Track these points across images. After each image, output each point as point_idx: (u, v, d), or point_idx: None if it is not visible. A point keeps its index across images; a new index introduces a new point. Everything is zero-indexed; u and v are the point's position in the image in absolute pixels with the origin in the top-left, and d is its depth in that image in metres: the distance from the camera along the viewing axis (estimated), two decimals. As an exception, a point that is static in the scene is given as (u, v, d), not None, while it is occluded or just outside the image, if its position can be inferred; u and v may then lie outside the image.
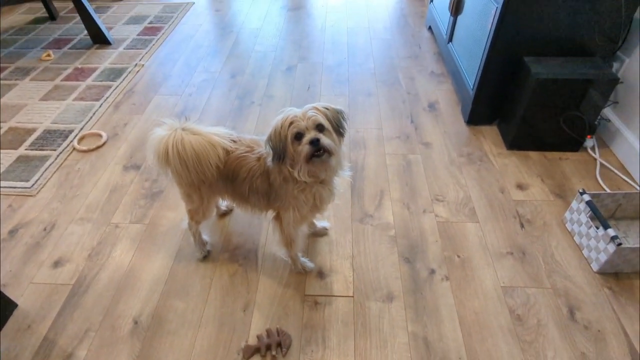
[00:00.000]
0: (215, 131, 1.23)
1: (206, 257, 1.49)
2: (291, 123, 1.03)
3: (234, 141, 1.25)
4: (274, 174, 1.16)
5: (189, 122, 1.19)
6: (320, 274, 1.42)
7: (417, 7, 3.21)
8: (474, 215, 1.59)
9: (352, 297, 1.35)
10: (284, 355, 1.21)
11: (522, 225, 1.54)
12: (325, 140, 1.03)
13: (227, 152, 1.22)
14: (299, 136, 1.04)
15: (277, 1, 3.46)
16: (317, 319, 1.29)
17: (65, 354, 1.24)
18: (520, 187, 1.69)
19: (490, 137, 1.94)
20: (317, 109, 1.06)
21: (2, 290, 1.38)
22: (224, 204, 1.64)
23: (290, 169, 1.10)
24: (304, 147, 1.02)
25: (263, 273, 1.43)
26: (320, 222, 1.56)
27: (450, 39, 2.27)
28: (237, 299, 1.36)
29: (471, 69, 1.94)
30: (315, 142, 1.01)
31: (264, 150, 1.13)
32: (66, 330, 1.30)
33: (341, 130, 1.11)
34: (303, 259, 1.43)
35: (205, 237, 1.51)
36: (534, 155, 1.83)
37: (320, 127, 1.04)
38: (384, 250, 1.49)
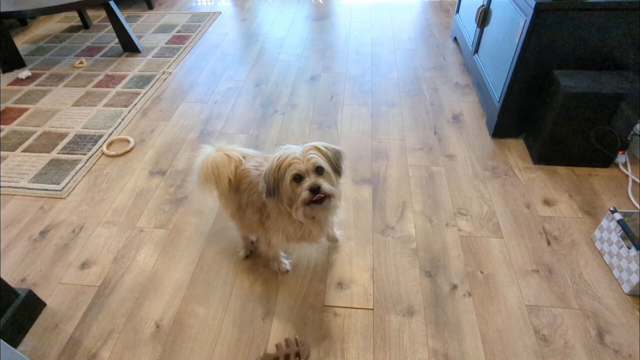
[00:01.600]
0: (242, 150, 1.31)
1: (248, 256, 1.52)
2: (290, 165, 1.03)
3: (244, 157, 1.31)
4: (270, 204, 1.16)
5: (223, 144, 1.32)
6: (340, 285, 1.41)
7: (442, 18, 3.20)
8: (498, 230, 1.56)
9: (372, 309, 1.34)
10: (302, 366, 1.21)
11: (548, 243, 1.50)
12: (325, 186, 1.03)
13: (237, 166, 1.28)
14: (297, 178, 1.04)
15: (302, 11, 3.50)
16: (336, 331, 1.29)
17: (89, 354, 1.27)
18: (547, 202, 1.65)
19: (516, 150, 1.90)
20: (317, 148, 1.06)
21: (32, 289, 1.43)
22: None
23: (287, 207, 1.10)
24: (304, 192, 1.02)
25: (283, 282, 1.44)
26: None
27: (476, 51, 2.25)
28: (256, 307, 1.37)
29: (497, 81, 1.91)
30: (315, 190, 1.01)
31: (260, 185, 1.13)
32: (91, 330, 1.33)
33: (340, 170, 1.12)
34: (283, 260, 1.45)
35: (252, 237, 1.52)
36: (562, 170, 1.79)
37: (319, 170, 1.04)
38: (405, 263, 1.47)
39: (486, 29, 2.12)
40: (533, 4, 1.53)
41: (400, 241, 1.54)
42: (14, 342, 1.29)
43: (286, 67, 2.71)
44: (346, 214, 1.66)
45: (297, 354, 1.21)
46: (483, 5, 2.13)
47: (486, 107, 2.07)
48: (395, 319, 1.31)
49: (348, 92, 2.41)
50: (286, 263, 1.46)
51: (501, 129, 1.94)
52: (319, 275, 1.45)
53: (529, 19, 1.58)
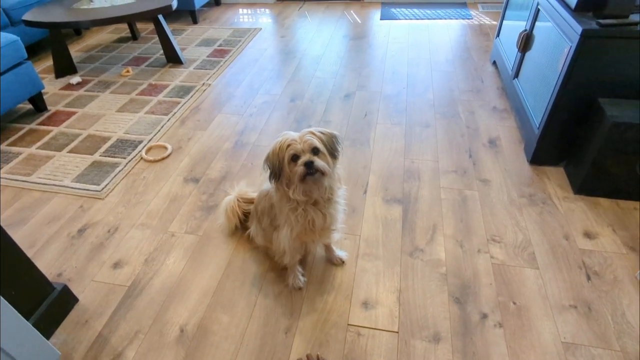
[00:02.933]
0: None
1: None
2: (288, 145, 1.12)
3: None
4: (274, 195, 1.29)
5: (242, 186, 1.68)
6: (365, 305, 1.39)
7: (482, 41, 3.17)
8: (533, 260, 1.50)
9: (397, 332, 1.30)
10: (322, 385, 1.18)
11: (588, 278, 1.42)
12: (319, 162, 1.12)
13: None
14: (295, 158, 1.13)
15: (340, 30, 3.57)
16: (359, 351, 1.26)
17: (115, 352, 1.30)
18: (587, 235, 1.57)
19: (555, 179, 1.84)
20: (313, 133, 1.15)
21: (67, 284, 1.48)
22: None
23: (286, 188, 1.19)
24: (299, 168, 1.11)
25: (307, 297, 1.43)
26: (338, 252, 1.54)
27: (517, 75, 2.21)
28: (279, 320, 1.36)
29: (538, 107, 1.86)
30: (309, 164, 1.11)
31: (263, 169, 1.22)
32: (119, 329, 1.36)
33: (335, 154, 1.19)
34: (299, 275, 1.46)
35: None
36: (604, 202, 1.71)
37: (315, 150, 1.13)
38: (433, 287, 1.43)
39: (528, 54, 2.08)
40: (580, 30, 1.50)
41: (429, 264, 1.51)
42: (47, 334, 1.33)
43: (322, 84, 2.75)
44: (375, 232, 1.64)
45: (318, 372, 1.19)
46: (525, 30, 2.10)
47: (525, 132, 2.02)
48: (420, 344, 1.27)
49: (382, 111, 2.41)
50: (301, 279, 1.46)
51: (540, 156, 1.88)
52: (344, 293, 1.43)
53: (574, 45, 1.54)
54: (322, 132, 1.17)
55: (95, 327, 1.38)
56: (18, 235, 1.73)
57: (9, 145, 2.31)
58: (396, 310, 1.36)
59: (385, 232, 1.64)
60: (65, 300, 1.41)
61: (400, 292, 1.42)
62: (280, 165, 1.14)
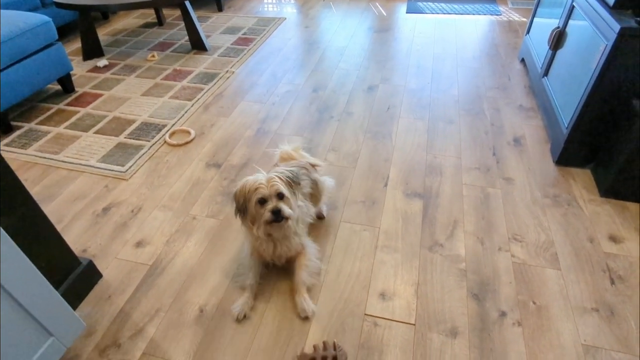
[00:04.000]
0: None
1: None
2: (256, 189, 1.23)
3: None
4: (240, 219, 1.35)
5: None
6: (383, 296, 1.39)
7: (510, 38, 3.11)
8: (555, 261, 1.47)
9: (414, 325, 1.30)
10: (338, 371, 1.19)
11: (612, 282, 1.40)
12: (285, 209, 1.23)
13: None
14: (262, 201, 1.24)
15: (365, 22, 3.54)
16: (375, 341, 1.26)
17: (137, 327, 1.33)
18: (613, 239, 1.54)
19: (581, 180, 1.80)
20: (280, 178, 1.25)
21: (92, 260, 1.52)
22: (324, 208, 1.69)
23: (250, 224, 1.30)
24: (266, 214, 1.23)
25: (325, 285, 1.44)
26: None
27: (546, 73, 2.16)
28: (313, 290, 1.37)
29: (567, 106, 1.82)
30: (276, 212, 1.22)
31: (231, 203, 1.35)
32: (140, 306, 1.40)
33: (296, 190, 1.32)
34: (248, 305, 1.36)
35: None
36: (632, 207, 1.66)
37: (280, 196, 1.24)
38: (451, 282, 1.42)
39: (559, 52, 2.03)
40: (617, 28, 1.46)
41: (448, 260, 1.50)
42: (72, 307, 1.37)
43: (345, 75, 2.74)
44: (394, 225, 1.64)
45: (334, 358, 1.20)
46: (558, 27, 2.05)
47: (552, 132, 1.98)
48: (437, 337, 1.27)
49: (405, 105, 2.39)
50: (246, 312, 1.34)
51: (567, 157, 1.84)
52: (361, 283, 1.43)
53: (610, 44, 1.50)
54: (288, 177, 1.27)
55: (118, 302, 1.42)
56: (46, 211, 1.78)
57: (38, 124, 2.37)
58: (414, 303, 1.36)
59: (405, 225, 1.64)
60: (90, 275, 1.45)
61: (419, 285, 1.42)
62: (245, 204, 1.25)
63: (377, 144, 2.10)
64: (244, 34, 3.44)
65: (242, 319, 1.33)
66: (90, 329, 1.33)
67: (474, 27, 3.34)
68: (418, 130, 2.17)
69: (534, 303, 1.35)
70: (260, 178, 1.24)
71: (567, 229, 1.59)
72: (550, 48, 2.10)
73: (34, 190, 1.90)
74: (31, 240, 1.20)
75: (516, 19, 3.44)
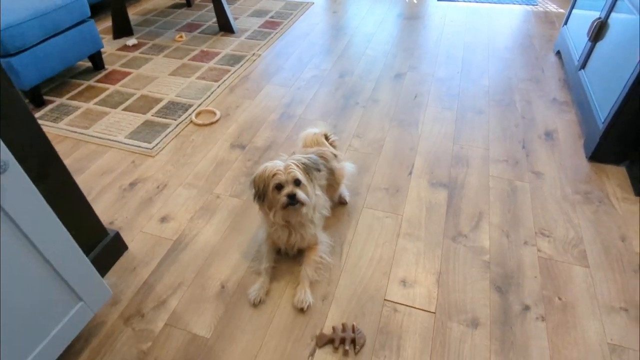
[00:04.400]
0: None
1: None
2: (274, 175, 1.25)
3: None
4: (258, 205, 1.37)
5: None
6: (404, 283, 1.38)
7: (546, 29, 3.00)
8: (584, 258, 1.43)
9: (434, 313, 1.29)
10: (355, 353, 1.20)
11: (643, 282, 1.35)
12: (300, 194, 1.25)
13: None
14: (279, 187, 1.26)
15: (395, 9, 3.47)
16: (394, 326, 1.26)
17: (160, 299, 1.36)
18: (646, 239, 1.48)
19: (615, 178, 1.73)
20: (297, 165, 1.27)
21: (119, 232, 1.56)
22: (346, 193, 1.69)
23: (267, 209, 1.31)
24: (282, 198, 1.25)
25: (346, 269, 1.44)
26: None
27: (583, 66, 2.07)
28: (317, 287, 1.38)
29: (605, 101, 1.75)
30: (292, 196, 1.24)
31: (249, 188, 1.36)
32: (163, 279, 1.43)
33: (313, 179, 1.33)
34: (264, 289, 1.36)
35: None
36: (668, 207, 1.60)
37: (297, 182, 1.26)
38: (474, 273, 1.40)
39: (599, 44, 1.95)
40: (666, 18, 1.38)
41: (472, 251, 1.48)
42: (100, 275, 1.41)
43: (372, 62, 2.70)
44: (418, 214, 1.62)
45: (353, 341, 1.21)
46: (600, 18, 1.96)
47: (586, 127, 1.91)
48: (457, 327, 1.25)
49: (433, 94, 2.34)
50: (262, 296, 1.34)
51: (601, 153, 1.78)
52: (382, 269, 1.43)
53: (657, 34, 1.43)
54: (304, 164, 1.29)
55: (142, 274, 1.45)
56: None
57: (69, 99, 2.42)
58: (435, 291, 1.35)
59: (428, 214, 1.62)
60: (117, 246, 1.49)
61: (440, 274, 1.40)
62: (264, 190, 1.28)
63: (402, 132, 2.06)
64: (272, 17, 3.42)
65: (258, 303, 1.34)
66: (115, 298, 1.37)
67: (508, 17, 3.23)
68: (445, 119, 2.13)
69: (560, 299, 1.32)
70: (278, 164, 1.27)
71: (598, 226, 1.54)
72: (589, 39, 2.01)
73: (65, 162, 1.93)
74: (63, 208, 1.23)
75: (553, 9, 3.31)
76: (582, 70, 2.08)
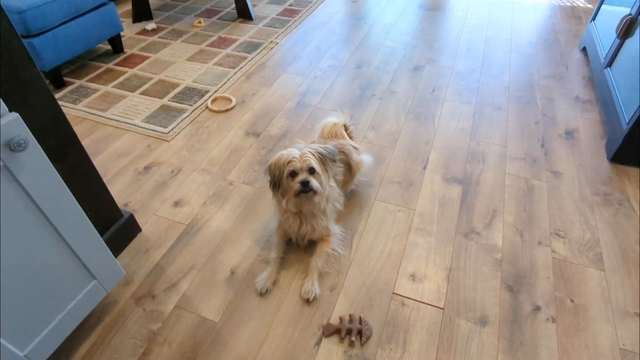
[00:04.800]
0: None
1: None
2: (289, 162, 1.25)
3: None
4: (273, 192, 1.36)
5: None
6: (413, 277, 1.37)
7: (572, 25, 2.90)
8: (599, 261, 1.40)
9: (442, 309, 1.28)
10: (362, 345, 1.20)
11: (660, 288, 1.32)
12: (314, 182, 1.25)
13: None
14: (293, 174, 1.26)
15: (416, 0, 3.40)
16: (402, 320, 1.26)
17: (171, 282, 1.38)
18: (666, 244, 1.44)
19: (637, 180, 1.68)
20: (312, 153, 1.27)
21: (133, 214, 1.58)
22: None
23: (280, 197, 1.32)
24: (295, 185, 1.25)
25: (355, 260, 1.44)
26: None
27: (609, 64, 2.01)
28: (326, 277, 1.38)
29: (631, 101, 1.69)
30: (305, 184, 1.24)
31: (264, 175, 1.37)
32: (175, 262, 1.45)
33: (329, 170, 1.33)
34: (271, 279, 1.37)
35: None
36: (691, 212, 1.55)
37: (312, 170, 1.26)
38: (485, 271, 1.39)
39: (628, 42, 1.88)
40: (702, 16, 1.32)
41: (484, 248, 1.46)
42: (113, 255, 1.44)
43: (391, 53, 2.66)
44: (430, 209, 1.60)
45: (359, 332, 1.21)
46: (630, 15, 1.89)
47: (609, 127, 1.85)
48: (465, 324, 1.24)
49: (452, 87, 2.30)
50: (269, 286, 1.35)
51: (623, 155, 1.73)
52: (392, 262, 1.42)
53: (691, 33, 1.37)
54: (320, 153, 1.29)
55: (155, 256, 1.47)
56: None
57: (88, 81, 2.45)
58: (444, 287, 1.34)
59: (441, 210, 1.60)
60: (131, 228, 1.52)
61: (451, 270, 1.39)
62: (279, 177, 1.28)
63: (418, 125, 2.04)
64: (290, 5, 3.39)
65: (264, 293, 1.34)
66: (127, 279, 1.40)
67: (533, 11, 3.13)
68: (463, 114, 2.09)
69: (572, 301, 1.29)
70: (293, 152, 1.27)
71: (616, 229, 1.50)
72: (617, 36, 1.94)
73: (83, 144, 1.97)
74: (80, 188, 1.25)
75: (581, 4, 3.20)
76: (608, 68, 2.02)
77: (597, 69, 2.17)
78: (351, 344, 1.20)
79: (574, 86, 2.27)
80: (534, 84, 2.31)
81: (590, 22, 2.49)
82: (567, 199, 1.63)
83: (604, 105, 1.96)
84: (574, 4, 3.20)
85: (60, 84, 2.39)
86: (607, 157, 1.79)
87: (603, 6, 2.38)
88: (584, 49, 2.54)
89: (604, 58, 2.09)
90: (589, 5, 3.18)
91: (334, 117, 1.63)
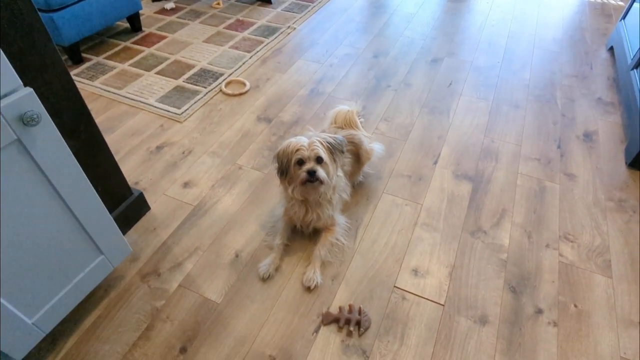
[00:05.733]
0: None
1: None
2: (297, 150, 1.25)
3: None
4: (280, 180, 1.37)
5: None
6: (415, 272, 1.37)
7: (601, 22, 2.80)
8: (607, 268, 1.38)
9: (443, 305, 1.28)
10: (359, 335, 1.21)
11: (669, 299, 1.29)
12: (320, 172, 1.25)
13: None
14: (300, 162, 1.26)
15: (439, -10, 3.32)
16: (401, 314, 1.26)
17: (176, 261, 1.41)
18: (679, 255, 1.41)
19: (654, 188, 1.64)
20: (321, 142, 1.27)
21: (143, 192, 1.60)
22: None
23: (287, 184, 1.32)
24: (302, 173, 1.25)
25: (359, 252, 1.44)
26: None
27: (637, 66, 1.94)
28: (328, 266, 1.39)
29: (655, 104, 1.63)
30: (311, 173, 1.24)
31: (272, 162, 1.37)
32: (181, 242, 1.47)
33: (337, 159, 1.32)
34: (274, 264, 1.37)
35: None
36: None
37: (319, 160, 1.26)
38: (489, 271, 1.37)
39: (657, 43, 1.81)
40: None
41: (489, 247, 1.44)
42: (122, 232, 1.47)
43: (409, 44, 2.61)
44: (438, 204, 1.59)
45: (358, 323, 1.22)
46: (662, 14, 1.81)
47: (630, 132, 1.80)
48: (465, 322, 1.24)
49: (470, 82, 2.26)
50: (271, 272, 1.36)
51: (642, 160, 1.68)
52: (396, 256, 1.42)
53: None
54: (329, 143, 1.29)
55: (162, 235, 1.50)
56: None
57: (105, 58, 2.48)
58: (446, 284, 1.34)
59: (449, 206, 1.58)
60: (140, 206, 1.54)
61: (454, 267, 1.38)
62: (287, 165, 1.28)
63: (432, 119, 2.01)
64: (311, -10, 3.34)
65: (266, 278, 1.36)
66: (134, 255, 1.43)
67: (561, 6, 3.03)
68: (479, 110, 2.05)
69: (576, 306, 1.28)
70: (302, 140, 1.27)
71: (628, 237, 1.47)
72: (647, 37, 1.87)
73: (97, 121, 2.00)
74: (92, 164, 1.28)
75: (612, 1, 3.08)
76: (635, 70, 1.95)
77: (623, 70, 2.10)
78: (349, 333, 1.21)
79: (597, 87, 2.20)
80: (556, 82, 2.24)
81: (620, 20, 2.39)
82: (579, 202, 1.59)
83: (627, 108, 1.90)
84: (605, 1, 3.09)
85: (78, 60, 2.41)
86: (626, 162, 1.74)
87: (635, 4, 2.28)
88: (611, 49, 2.45)
89: (632, 59, 2.01)
90: (621, 3, 3.05)
91: (344, 105, 1.61)
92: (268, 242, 1.46)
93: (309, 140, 1.27)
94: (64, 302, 1.11)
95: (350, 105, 1.63)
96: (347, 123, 1.57)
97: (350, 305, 1.26)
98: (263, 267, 1.37)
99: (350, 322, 1.22)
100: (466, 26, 2.80)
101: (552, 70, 2.34)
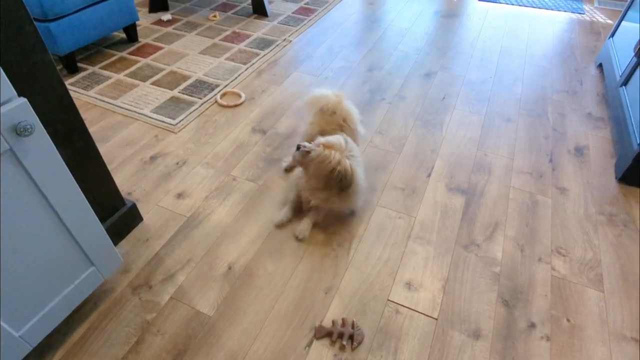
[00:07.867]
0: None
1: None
2: (333, 165, 1.41)
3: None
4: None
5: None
6: (409, 285, 1.37)
7: (590, 40, 2.86)
8: (599, 282, 1.38)
9: (436, 319, 1.28)
10: (352, 350, 1.20)
11: (660, 314, 1.30)
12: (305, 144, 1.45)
13: None
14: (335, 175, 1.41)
15: (432, 6, 3.38)
16: (394, 328, 1.25)
17: (168, 273, 1.39)
18: (669, 269, 1.42)
19: (644, 202, 1.66)
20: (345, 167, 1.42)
21: (136, 203, 1.59)
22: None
23: (307, 177, 1.51)
24: (336, 186, 1.45)
25: (352, 265, 1.43)
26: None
27: (625, 83, 1.98)
28: (322, 279, 1.38)
29: (643, 120, 1.67)
30: (298, 147, 1.45)
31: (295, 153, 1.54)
32: (174, 253, 1.46)
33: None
34: (286, 212, 1.59)
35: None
36: (698, 239, 1.52)
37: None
38: (482, 284, 1.38)
39: (644, 60, 1.85)
40: None
41: (482, 261, 1.45)
42: (113, 243, 1.45)
43: (403, 58, 2.65)
44: (431, 217, 1.60)
45: (351, 336, 1.21)
46: (648, 33, 1.86)
47: (620, 147, 1.83)
48: (458, 336, 1.24)
49: (462, 96, 2.29)
50: (283, 217, 1.58)
51: (632, 175, 1.70)
52: (389, 269, 1.42)
53: None
54: (350, 173, 1.43)
55: (154, 247, 1.48)
56: (100, 151, 1.88)
57: (101, 68, 2.48)
58: (439, 297, 1.33)
59: (442, 219, 1.59)
60: (133, 217, 1.53)
61: (447, 281, 1.38)
62: (317, 169, 1.43)
63: (426, 132, 2.03)
64: (306, 3, 3.39)
65: (280, 225, 1.56)
66: (126, 267, 1.41)
67: (551, 24, 3.10)
68: (472, 124, 2.08)
69: (568, 320, 1.28)
70: (336, 157, 1.41)
71: (619, 251, 1.48)
72: (635, 55, 1.91)
73: (91, 130, 2.00)
74: (84, 175, 1.27)
75: (600, 20, 3.16)
76: (624, 87, 1.99)
77: (612, 87, 2.14)
78: (342, 348, 1.20)
79: (587, 102, 2.24)
80: (547, 97, 2.28)
81: (609, 38, 2.45)
82: (571, 216, 1.61)
83: (617, 123, 1.93)
84: (594, 19, 3.16)
85: (74, 70, 2.41)
86: (616, 177, 1.77)
87: (623, 22, 2.34)
88: (600, 66, 2.51)
89: (620, 76, 2.06)
90: (609, 21, 3.13)
91: (326, 90, 1.73)
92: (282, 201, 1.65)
93: (340, 156, 1.42)
94: (52, 315, 1.09)
95: (334, 89, 1.73)
96: (335, 121, 1.69)
97: (343, 319, 1.25)
98: (277, 218, 1.57)
99: (343, 336, 1.21)
100: (459, 41, 2.85)
101: (543, 85, 2.38)
